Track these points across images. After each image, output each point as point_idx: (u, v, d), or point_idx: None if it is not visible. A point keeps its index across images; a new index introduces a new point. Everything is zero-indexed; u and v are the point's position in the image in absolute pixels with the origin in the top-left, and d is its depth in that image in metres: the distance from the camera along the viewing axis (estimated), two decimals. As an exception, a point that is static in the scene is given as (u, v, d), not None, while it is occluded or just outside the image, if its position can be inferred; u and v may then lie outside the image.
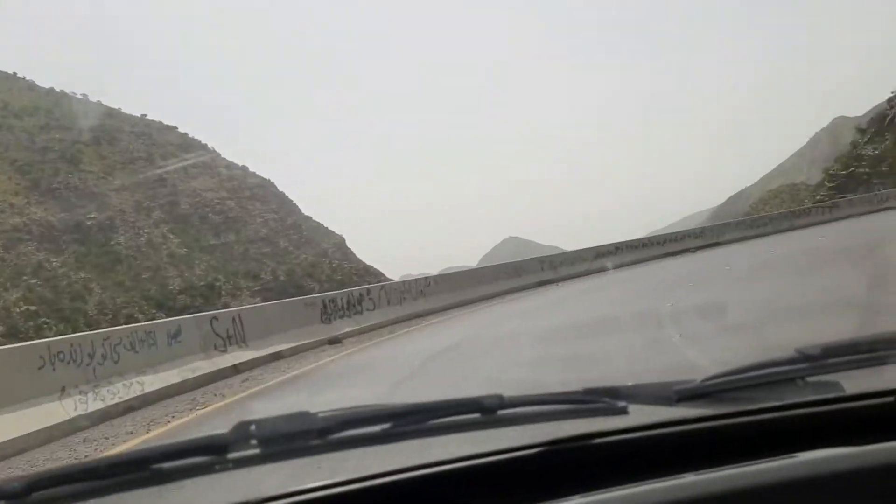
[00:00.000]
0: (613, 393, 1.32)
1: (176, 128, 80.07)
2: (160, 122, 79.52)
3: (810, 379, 1.29)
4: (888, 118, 79.87)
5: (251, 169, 77.92)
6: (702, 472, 1.02)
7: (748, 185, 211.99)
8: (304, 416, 1.21)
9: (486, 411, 1.26)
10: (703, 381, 1.31)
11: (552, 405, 1.33)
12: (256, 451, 1.18)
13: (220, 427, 1.20)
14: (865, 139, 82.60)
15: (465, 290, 20.26)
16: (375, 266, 74.39)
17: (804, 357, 1.31)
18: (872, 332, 1.54)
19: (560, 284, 22.57)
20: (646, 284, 17.16)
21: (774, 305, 8.76)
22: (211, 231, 65.52)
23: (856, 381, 1.26)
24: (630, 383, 1.36)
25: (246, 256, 64.32)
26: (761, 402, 1.19)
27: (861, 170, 75.41)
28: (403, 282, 21.29)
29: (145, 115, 79.14)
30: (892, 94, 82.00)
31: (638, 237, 30.52)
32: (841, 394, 1.23)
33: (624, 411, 1.25)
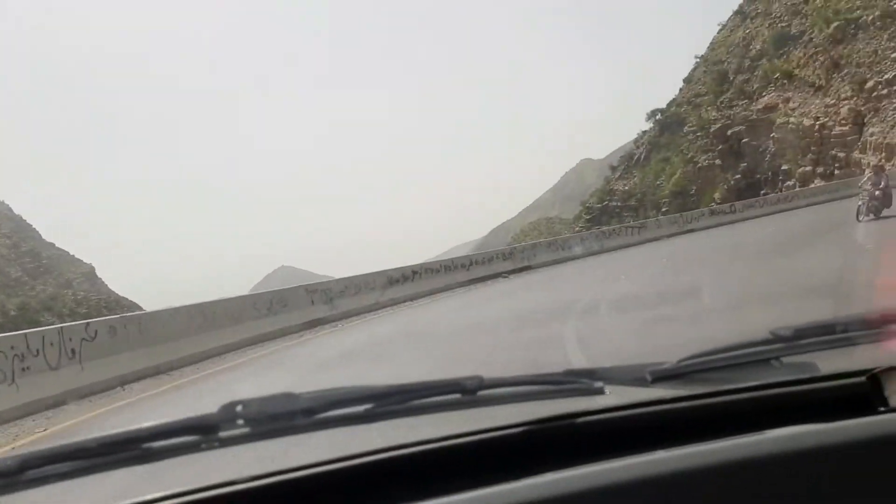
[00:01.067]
0: (591, 374, 1.31)
1: None
2: None
3: (785, 359, 1.29)
4: (635, 157, 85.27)
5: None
6: (672, 449, 1.02)
7: (508, 218, 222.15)
8: (289, 396, 1.21)
9: (467, 392, 1.25)
10: (678, 361, 1.30)
11: (532, 385, 1.32)
12: (243, 430, 1.17)
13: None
14: (617, 175, 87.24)
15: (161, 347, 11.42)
16: (130, 297, 68.44)
17: (778, 338, 1.31)
18: (846, 313, 1.39)
19: (339, 326, 15.03)
20: (469, 343, 9.77)
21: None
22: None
23: (830, 362, 1.25)
24: (608, 365, 1.35)
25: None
26: (736, 383, 1.18)
27: (614, 203, 79.08)
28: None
29: None
30: (637, 136, 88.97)
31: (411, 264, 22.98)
32: (815, 374, 1.23)
33: (601, 391, 1.25)
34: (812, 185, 34.91)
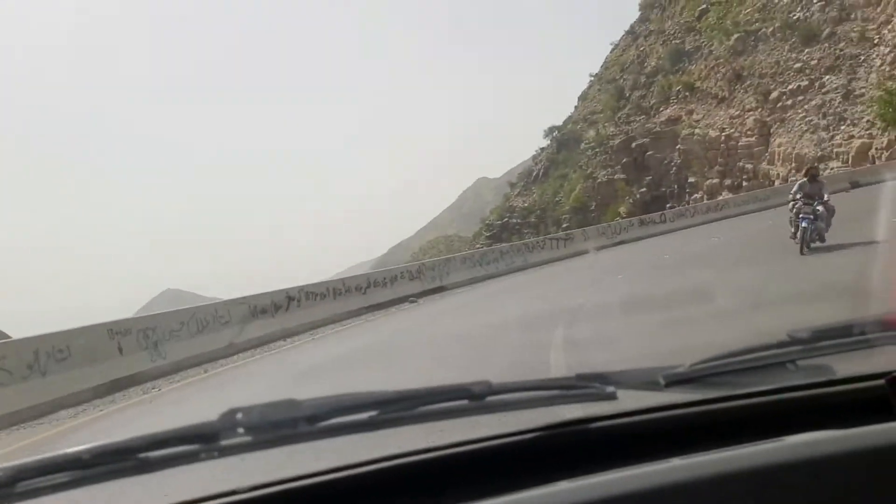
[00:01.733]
0: (603, 378, 1.23)
1: None
2: None
3: (801, 362, 1.24)
4: (534, 174, 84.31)
5: None
6: (689, 455, 0.99)
7: (407, 237, 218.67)
8: (291, 403, 1.14)
9: (475, 397, 1.18)
10: (691, 365, 1.24)
11: (541, 391, 1.25)
12: (244, 438, 1.10)
13: None
14: (516, 192, 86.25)
15: None
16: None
17: (795, 340, 1.26)
18: (863, 315, 1.31)
19: (157, 391, 9.59)
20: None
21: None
22: None
23: (847, 365, 1.20)
24: (619, 369, 1.27)
25: None
26: (751, 387, 1.14)
27: (514, 220, 78.24)
28: None
29: None
30: (535, 153, 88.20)
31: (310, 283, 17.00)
32: (832, 377, 1.18)
33: (613, 396, 1.18)
34: (743, 194, 32.27)
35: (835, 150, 34.17)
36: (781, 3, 43.47)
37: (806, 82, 38.20)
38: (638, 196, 48.93)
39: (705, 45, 50.07)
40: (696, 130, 44.68)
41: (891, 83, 32.04)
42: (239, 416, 1.10)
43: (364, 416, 1.14)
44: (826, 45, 38.44)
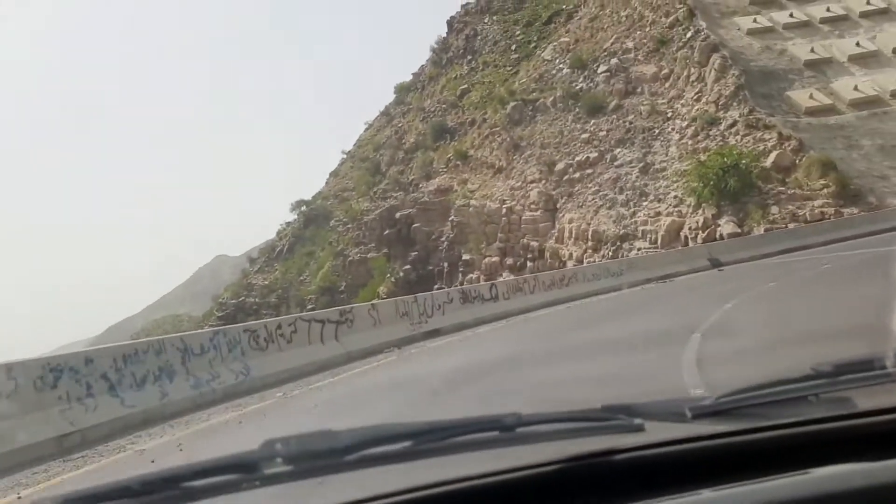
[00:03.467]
0: (629, 410, 1.22)
1: None
2: None
3: (823, 395, 1.21)
4: (277, 249, 73.96)
5: None
6: (718, 488, 0.97)
7: (132, 314, 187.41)
8: (328, 434, 1.16)
9: (505, 429, 1.18)
10: (717, 398, 1.23)
11: (569, 423, 1.23)
12: (284, 468, 1.11)
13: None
14: (256, 269, 74.47)
15: None
16: None
17: (817, 374, 1.24)
18: (884, 350, 1.30)
19: None
20: None
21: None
22: None
23: (869, 398, 1.17)
24: (645, 400, 1.26)
25: None
26: (775, 419, 1.11)
27: (252, 299, 66.47)
28: None
29: None
30: (280, 228, 77.89)
31: None
32: (854, 410, 1.15)
33: (640, 428, 1.16)
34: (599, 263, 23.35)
35: (639, 228, 27.58)
36: (561, 73, 38.11)
37: (595, 154, 32.12)
38: (402, 274, 39.29)
39: (479, 113, 43.29)
40: (472, 201, 36.65)
41: (701, 156, 26.43)
42: (278, 446, 1.11)
43: (398, 446, 1.14)
44: (614, 116, 33.01)
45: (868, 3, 31.86)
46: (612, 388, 4.99)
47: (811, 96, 28.06)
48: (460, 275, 35.57)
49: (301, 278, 62.06)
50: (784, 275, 13.29)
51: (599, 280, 16.89)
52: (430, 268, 38.39)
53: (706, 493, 0.94)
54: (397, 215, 41.71)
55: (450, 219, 37.38)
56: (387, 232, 42.16)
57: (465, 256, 35.60)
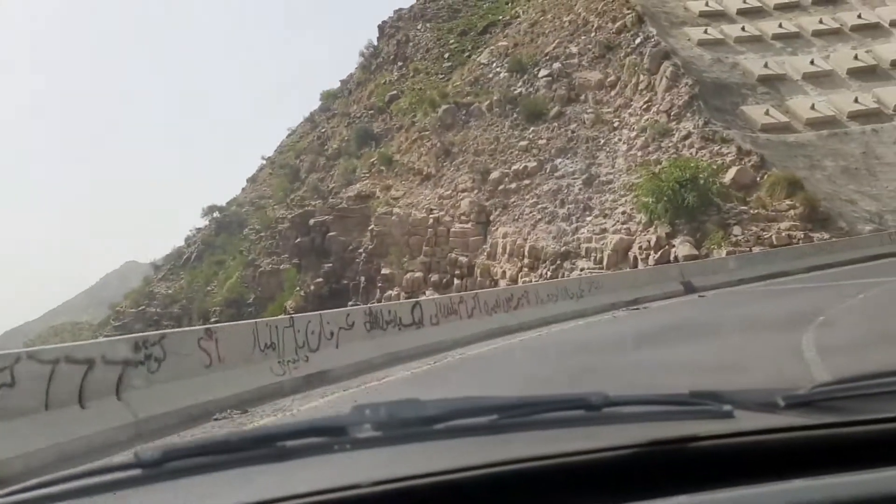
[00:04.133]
0: (718, 397, 1.19)
1: None
2: None
3: None
4: (185, 256, 67.26)
5: None
6: (812, 478, 0.93)
7: (30, 319, 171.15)
8: (415, 403, 1.16)
9: (592, 408, 1.16)
10: (812, 388, 1.19)
11: (657, 405, 1.21)
12: (371, 433, 1.12)
13: None
14: (160, 276, 67.40)
15: None
16: None
17: None
18: None
19: None
20: None
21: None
22: None
23: None
24: (736, 388, 1.23)
25: None
26: (872, 413, 1.05)
27: (153, 309, 59.76)
28: None
29: None
30: (189, 234, 71.14)
31: None
32: None
33: (730, 415, 1.13)
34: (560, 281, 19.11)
35: (582, 245, 23.85)
36: (498, 77, 34.38)
37: (534, 163, 28.41)
38: (312, 288, 34.32)
39: (408, 118, 38.99)
40: (396, 209, 32.18)
41: (654, 168, 23.01)
42: (367, 412, 1.12)
43: (483, 419, 1.12)
44: (556, 124, 29.45)
45: (821, 21, 29.99)
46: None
47: (767, 112, 25.48)
48: (378, 291, 30.96)
49: (208, 288, 56.20)
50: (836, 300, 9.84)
51: (556, 302, 12.79)
52: (345, 282, 33.57)
53: (798, 483, 0.88)
54: (311, 222, 36.73)
55: (369, 228, 32.80)
56: (299, 240, 37.07)
57: (385, 270, 31.04)
